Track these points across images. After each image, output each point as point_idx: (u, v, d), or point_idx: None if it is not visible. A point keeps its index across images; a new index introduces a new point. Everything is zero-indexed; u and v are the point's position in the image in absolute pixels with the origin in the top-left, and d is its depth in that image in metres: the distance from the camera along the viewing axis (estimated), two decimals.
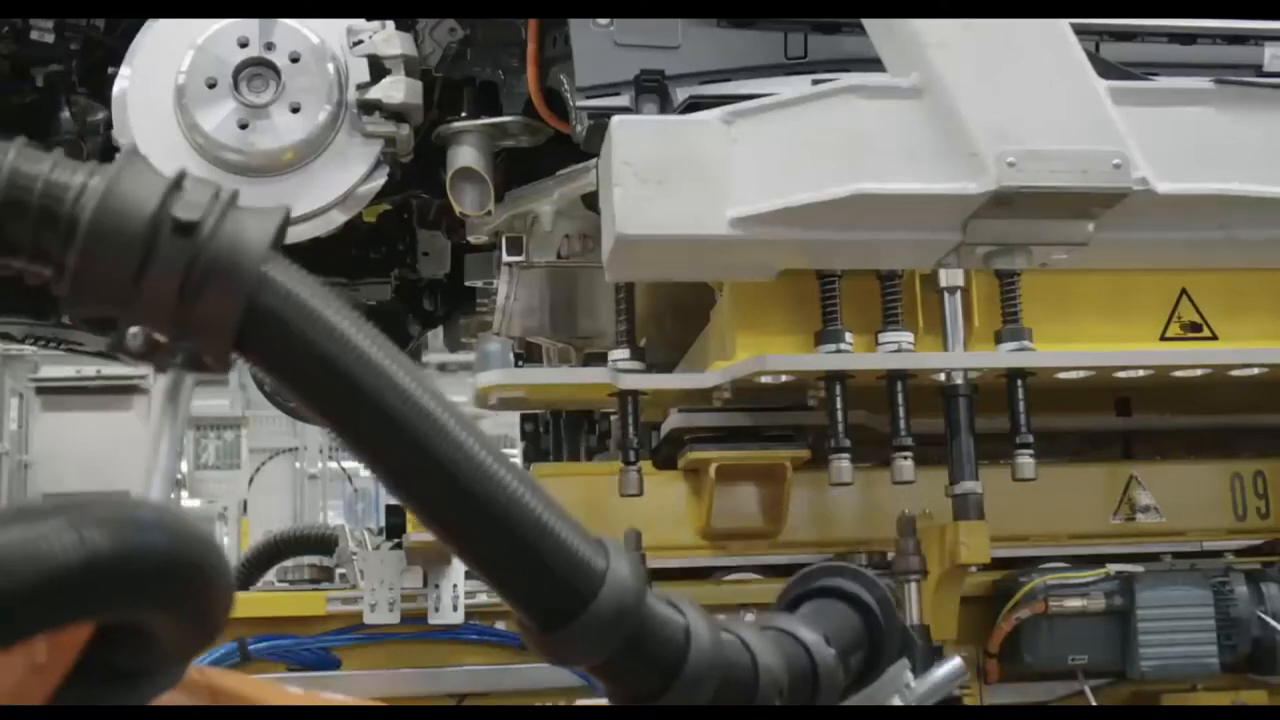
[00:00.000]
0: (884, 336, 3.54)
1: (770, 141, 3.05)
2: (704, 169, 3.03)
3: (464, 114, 3.73)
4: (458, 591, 3.89)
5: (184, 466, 14.13)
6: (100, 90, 3.78)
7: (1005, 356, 3.57)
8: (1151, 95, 3.17)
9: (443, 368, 10.82)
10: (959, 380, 3.55)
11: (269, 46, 3.61)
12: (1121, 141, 3.06)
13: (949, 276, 3.54)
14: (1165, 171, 3.09)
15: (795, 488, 3.94)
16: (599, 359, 4.81)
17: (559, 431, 5.15)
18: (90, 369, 10.69)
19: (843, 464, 3.49)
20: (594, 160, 3.40)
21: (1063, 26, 3.10)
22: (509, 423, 6.11)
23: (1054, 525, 4.16)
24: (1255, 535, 4.32)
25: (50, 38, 3.77)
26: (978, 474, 3.55)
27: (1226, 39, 3.66)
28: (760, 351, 3.52)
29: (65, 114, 3.90)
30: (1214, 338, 3.75)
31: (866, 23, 3.20)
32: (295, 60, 3.61)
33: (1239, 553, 4.29)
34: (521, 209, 3.81)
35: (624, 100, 3.41)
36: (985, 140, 3.01)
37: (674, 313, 4.12)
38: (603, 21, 3.48)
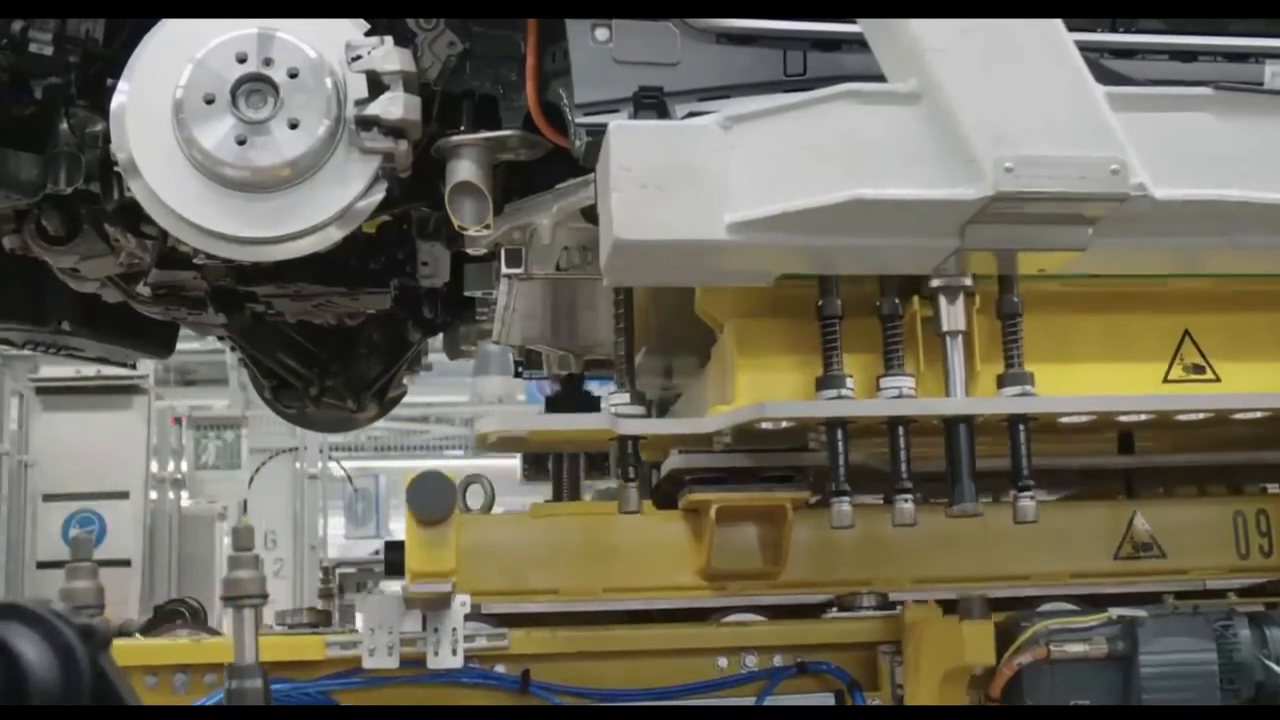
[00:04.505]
0: (885, 381, 3.49)
1: (768, 147, 3.06)
2: (702, 174, 3.03)
3: (463, 128, 3.73)
4: (457, 635, 3.86)
5: (184, 466, 14.14)
6: (99, 102, 3.79)
7: (1007, 402, 3.51)
8: (1149, 101, 3.18)
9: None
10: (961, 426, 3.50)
11: (267, 62, 3.61)
12: (1119, 147, 3.07)
13: (951, 319, 3.50)
14: (1163, 177, 3.11)
15: (796, 527, 3.92)
16: (599, 366, 4.82)
17: None
18: (90, 369, 10.70)
19: (844, 508, 3.46)
20: (593, 174, 3.39)
21: (1061, 32, 3.10)
22: None
23: (1055, 564, 4.14)
24: (1258, 574, 4.29)
25: (49, 50, 3.77)
26: (976, 496, 3.49)
27: (1227, 56, 3.64)
28: (761, 395, 3.50)
29: (64, 126, 3.90)
30: (1217, 379, 3.71)
31: (864, 25, 3.20)
32: (293, 76, 3.61)
33: (1242, 592, 4.26)
34: (520, 222, 3.80)
35: (622, 117, 3.41)
36: (983, 145, 3.02)
37: (676, 314, 4.10)
38: (601, 37, 3.49)
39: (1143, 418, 3.68)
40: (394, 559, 4.22)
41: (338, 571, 9.47)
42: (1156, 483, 4.60)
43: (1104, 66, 3.45)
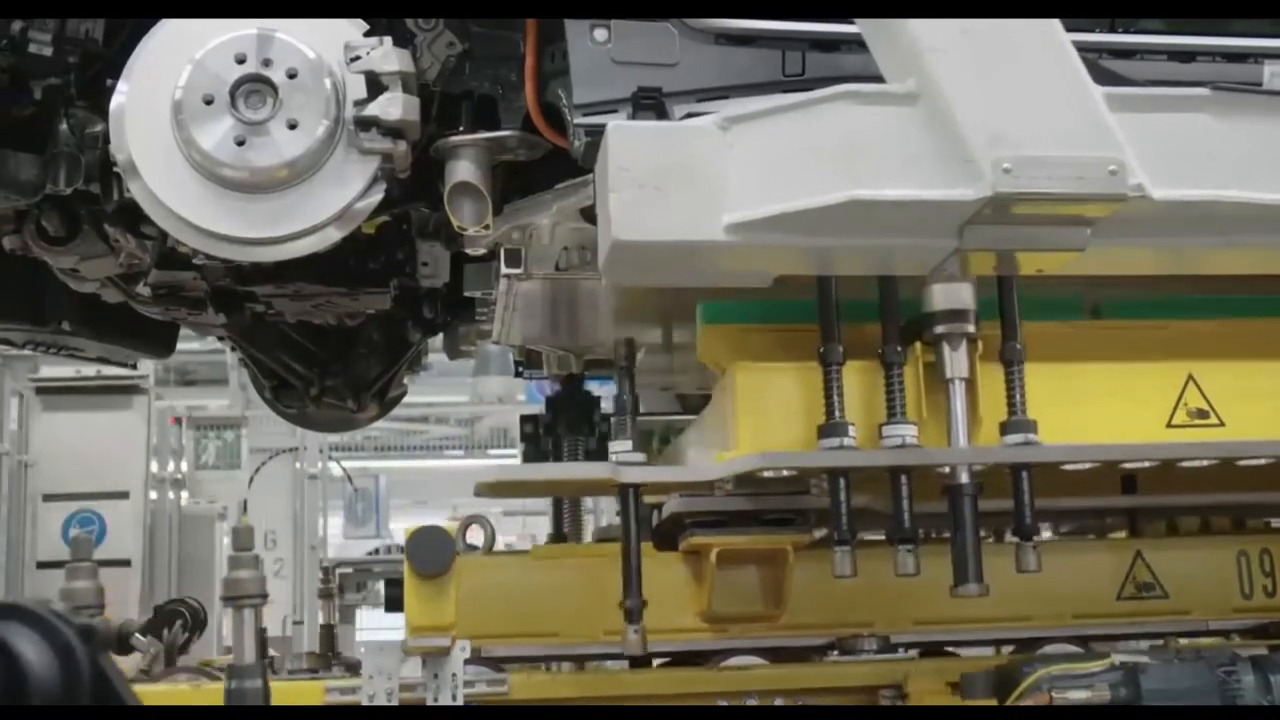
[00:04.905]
0: (887, 430, 3.46)
1: (766, 147, 3.06)
2: (700, 174, 3.03)
3: (462, 128, 3.73)
4: (457, 681, 3.87)
5: (184, 466, 14.12)
6: (99, 103, 3.80)
7: (1009, 451, 3.49)
8: (1148, 102, 3.18)
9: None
10: (964, 479, 3.45)
11: (266, 63, 3.62)
12: (1118, 148, 3.07)
13: (954, 367, 3.47)
14: (1161, 178, 3.10)
15: (797, 568, 3.91)
16: (599, 365, 4.82)
17: (559, 434, 5.15)
18: (90, 369, 10.69)
19: (846, 556, 3.44)
20: (591, 174, 3.40)
21: (1059, 32, 3.10)
22: (510, 423, 6.11)
23: (1058, 605, 4.12)
24: (1262, 614, 4.28)
25: (49, 50, 3.78)
26: (981, 574, 3.46)
27: (1226, 57, 3.64)
28: (763, 441, 3.49)
29: (63, 127, 3.90)
30: (1221, 424, 3.67)
31: (862, 25, 3.20)
32: (292, 76, 3.62)
33: (1245, 633, 4.25)
34: (520, 222, 3.81)
35: (621, 118, 3.41)
36: (981, 146, 3.01)
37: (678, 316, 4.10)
38: (600, 38, 3.49)
39: (1146, 464, 3.66)
40: (394, 594, 4.24)
41: (338, 571, 9.47)
42: (1160, 517, 4.59)
43: (1102, 67, 3.45)
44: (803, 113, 3.08)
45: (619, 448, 3.69)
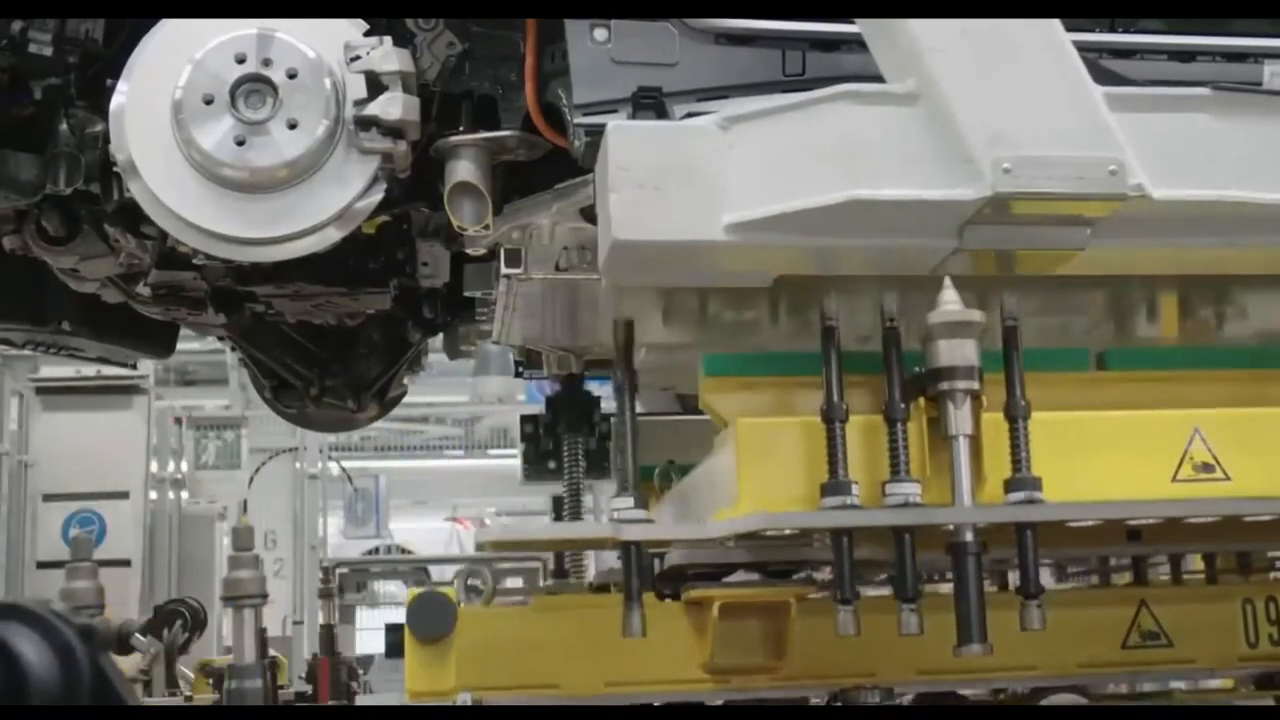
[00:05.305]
0: (890, 488, 3.37)
1: (766, 147, 3.06)
2: (700, 174, 3.04)
3: (462, 128, 3.73)
4: None
5: (184, 466, 14.13)
6: (99, 103, 3.80)
7: (1013, 510, 3.40)
8: (1148, 102, 3.18)
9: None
10: (968, 537, 3.38)
11: (266, 63, 3.62)
12: (1118, 147, 3.07)
13: (958, 424, 3.38)
14: (1161, 178, 3.10)
15: (799, 620, 3.89)
16: (599, 365, 4.81)
17: (559, 434, 5.16)
18: (90, 369, 10.69)
19: (849, 616, 3.37)
20: (592, 174, 3.39)
21: (1059, 32, 3.11)
22: (510, 423, 6.11)
23: (1062, 655, 4.08)
24: (1268, 662, 4.25)
25: (48, 50, 3.78)
26: (985, 634, 3.37)
27: (1226, 56, 3.64)
28: (766, 497, 3.40)
29: (63, 127, 3.90)
30: (1227, 479, 3.56)
31: (862, 25, 3.21)
32: (292, 76, 3.62)
33: (1251, 681, 4.23)
34: (520, 222, 3.80)
35: (621, 118, 3.41)
36: (981, 146, 3.02)
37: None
38: (600, 38, 3.49)
39: (1151, 520, 3.64)
40: (395, 640, 4.24)
41: (337, 572, 9.46)
42: (1165, 562, 4.58)
43: (1102, 67, 3.45)
44: (803, 113, 3.08)
45: (620, 504, 3.65)
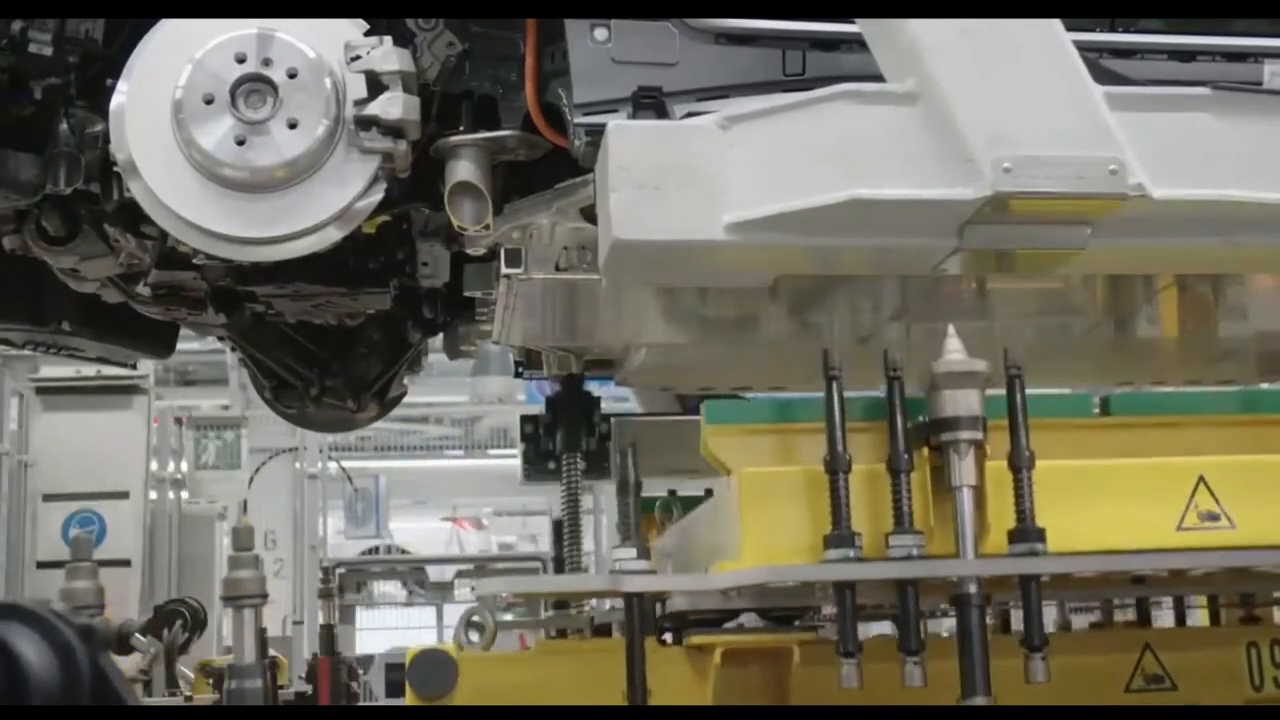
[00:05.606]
0: (894, 539, 3.34)
1: (766, 147, 3.07)
2: (700, 174, 3.04)
3: (462, 128, 3.73)
4: None
5: (184, 466, 14.13)
6: (99, 103, 3.79)
7: (1016, 562, 3.38)
8: (1148, 101, 3.19)
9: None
10: (972, 589, 3.37)
11: (266, 62, 3.62)
12: (1118, 147, 3.07)
13: (961, 475, 3.38)
14: (1162, 177, 3.11)
15: (801, 665, 3.87)
16: (599, 365, 4.81)
17: (559, 434, 5.16)
18: (90, 369, 10.69)
19: (852, 669, 3.34)
20: (592, 174, 3.40)
21: (1059, 32, 3.11)
22: (510, 423, 6.10)
23: (1065, 698, 4.05)
24: (1272, 705, 4.20)
25: (49, 50, 3.77)
26: (989, 686, 3.36)
27: (1226, 56, 3.64)
28: (769, 549, 3.40)
29: (63, 126, 3.90)
30: (1232, 527, 3.54)
31: (862, 25, 3.21)
32: (293, 76, 3.62)
33: None
34: (520, 222, 3.80)
35: (621, 118, 3.41)
36: (981, 146, 3.02)
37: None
38: (600, 38, 3.49)
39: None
40: (396, 679, 4.22)
41: (337, 572, 9.48)
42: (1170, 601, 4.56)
43: (1103, 66, 3.45)
44: (803, 112, 3.09)
45: (622, 555, 3.64)
